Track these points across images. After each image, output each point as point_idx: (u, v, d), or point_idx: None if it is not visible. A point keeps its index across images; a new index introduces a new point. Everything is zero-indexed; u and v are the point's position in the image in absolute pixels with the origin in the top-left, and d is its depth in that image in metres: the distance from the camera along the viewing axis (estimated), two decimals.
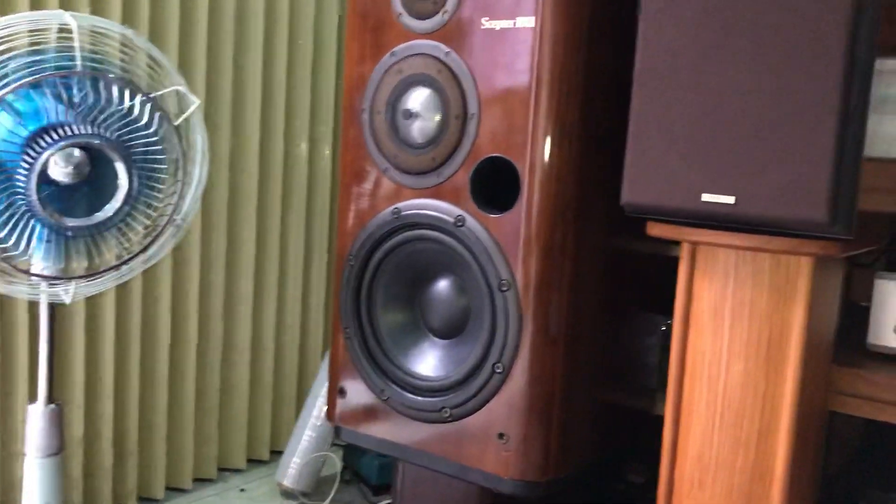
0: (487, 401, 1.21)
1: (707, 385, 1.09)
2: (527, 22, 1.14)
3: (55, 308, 1.32)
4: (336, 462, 1.94)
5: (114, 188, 1.25)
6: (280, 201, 2.05)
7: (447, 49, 1.21)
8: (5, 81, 1.16)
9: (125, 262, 1.33)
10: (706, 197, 0.99)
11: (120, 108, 1.23)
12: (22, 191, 1.18)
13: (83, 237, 1.26)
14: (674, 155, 1.01)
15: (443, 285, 1.30)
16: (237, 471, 2.05)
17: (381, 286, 1.32)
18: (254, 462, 2.10)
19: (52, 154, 1.18)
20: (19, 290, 1.26)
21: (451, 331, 1.29)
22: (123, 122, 1.24)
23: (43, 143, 1.18)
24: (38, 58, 1.20)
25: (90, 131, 1.20)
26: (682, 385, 1.12)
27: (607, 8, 1.19)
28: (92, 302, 1.69)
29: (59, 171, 1.20)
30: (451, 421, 1.25)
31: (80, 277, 1.31)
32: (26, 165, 1.17)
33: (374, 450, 1.36)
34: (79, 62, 1.21)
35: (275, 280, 2.07)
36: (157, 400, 1.85)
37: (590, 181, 1.21)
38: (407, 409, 1.29)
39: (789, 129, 0.94)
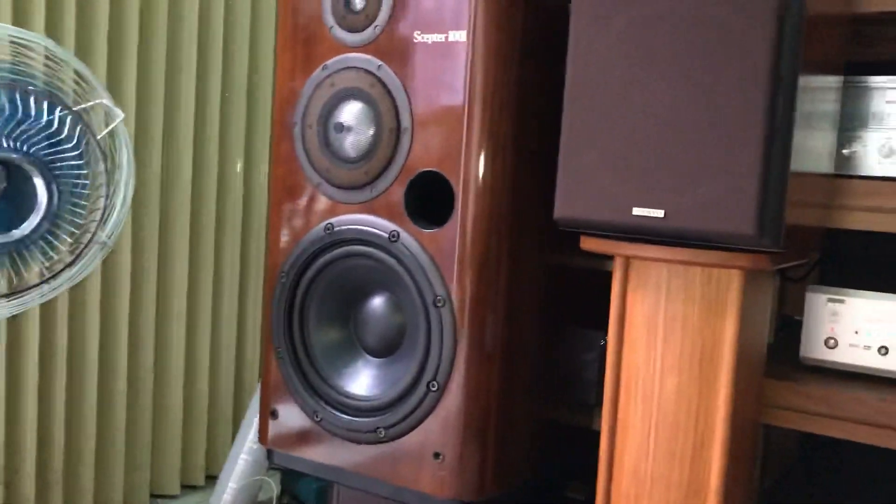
0: (422, 420, 1.19)
1: (642, 399, 1.09)
2: (459, 36, 1.13)
3: None
4: (272, 486, 1.90)
5: (33, 204, 1.21)
6: (214, 219, 2.01)
7: (379, 62, 1.19)
8: None
9: (47, 281, 1.28)
10: (637, 211, 0.99)
11: (39, 122, 1.19)
12: None
13: (2, 254, 1.22)
14: (605, 169, 1.01)
15: (377, 302, 1.28)
16: (171, 497, 1.99)
17: (315, 304, 1.29)
18: (188, 488, 2.04)
19: None
20: None
21: (387, 349, 1.27)
22: (43, 136, 1.20)
23: None
24: None
25: (7, 145, 1.16)
26: (617, 400, 1.12)
27: (540, 23, 1.19)
28: (14, 323, 1.63)
29: None
30: (386, 441, 1.22)
31: (2, 297, 1.26)
32: None
33: (308, 473, 1.33)
34: None
35: (209, 300, 2.02)
36: (85, 425, 1.78)
37: (524, 196, 1.21)
38: (341, 430, 1.26)
39: (717, 143, 0.94)
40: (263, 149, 2.10)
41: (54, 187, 1.21)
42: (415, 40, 1.17)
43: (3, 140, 1.15)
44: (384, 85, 1.19)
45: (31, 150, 1.17)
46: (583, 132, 1.02)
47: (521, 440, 1.28)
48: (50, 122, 1.20)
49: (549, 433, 1.37)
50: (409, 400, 1.19)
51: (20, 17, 1.58)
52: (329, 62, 1.24)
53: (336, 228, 1.24)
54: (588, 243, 1.08)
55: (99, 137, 1.25)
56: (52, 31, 1.64)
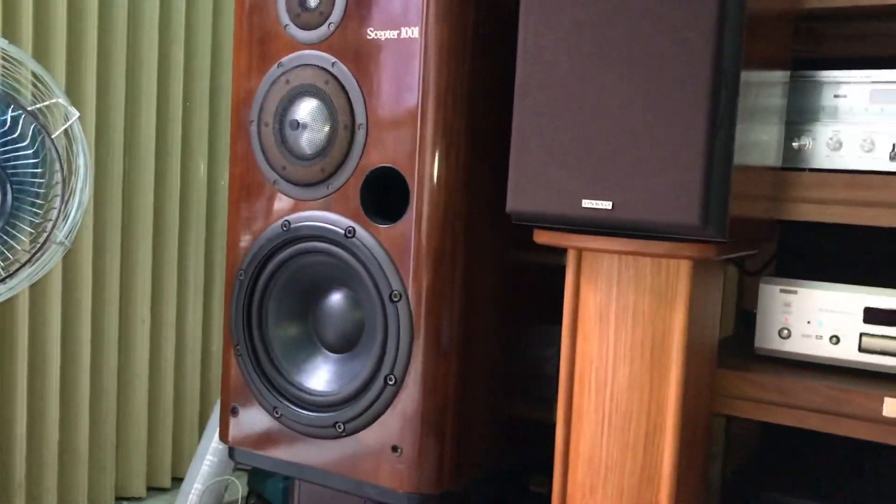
0: (381, 414, 1.20)
1: (595, 390, 1.11)
2: (411, 32, 1.14)
3: None
4: (238, 487, 1.89)
5: None
6: (178, 221, 2.00)
7: (333, 60, 1.20)
8: None
9: (3, 281, 1.27)
10: (586, 203, 1.00)
11: None
12: None
13: None
14: (554, 163, 1.02)
15: (336, 298, 1.28)
16: (137, 499, 1.98)
17: (273, 301, 1.30)
18: (154, 490, 2.03)
19: None
20: None
21: (345, 345, 1.28)
22: None
23: None
24: None
25: None
26: (571, 390, 1.13)
27: (493, 19, 1.21)
28: None
29: None
30: (345, 436, 1.23)
31: None
32: None
33: (270, 469, 1.33)
34: None
35: (173, 301, 2.01)
36: (47, 428, 1.77)
37: (480, 191, 1.22)
38: (301, 426, 1.27)
39: (663, 136, 0.96)
40: (227, 150, 2.10)
41: (9, 186, 1.20)
42: (368, 37, 1.18)
43: None
44: (338, 82, 1.20)
45: None
46: (532, 127, 1.03)
47: (481, 434, 1.29)
48: (3, 122, 1.19)
49: (511, 427, 1.38)
50: (368, 394, 1.20)
51: None
52: (284, 60, 1.25)
53: (293, 225, 1.25)
54: (541, 236, 1.09)
55: (54, 136, 1.24)
56: (9, 32, 1.63)
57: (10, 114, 1.18)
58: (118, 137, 1.85)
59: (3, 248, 1.24)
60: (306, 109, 1.23)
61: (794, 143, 1.23)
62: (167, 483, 2.04)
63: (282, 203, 1.27)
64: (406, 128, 1.16)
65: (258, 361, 1.30)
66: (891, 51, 1.35)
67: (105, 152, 1.84)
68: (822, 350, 1.20)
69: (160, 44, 1.92)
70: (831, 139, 1.21)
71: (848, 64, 1.23)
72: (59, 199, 1.27)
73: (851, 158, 1.19)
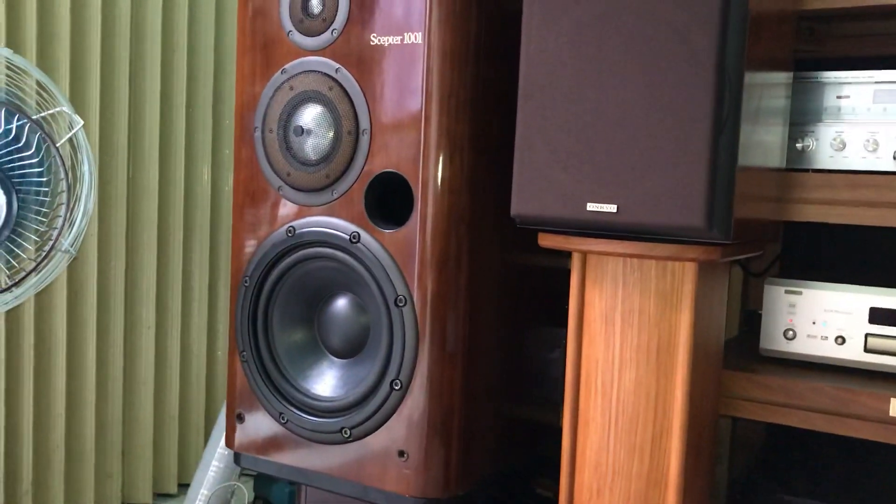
0: (387, 419, 1.20)
1: (601, 393, 1.11)
2: (414, 38, 1.15)
3: None
4: (244, 492, 1.89)
5: None
6: (182, 227, 2.01)
7: (337, 66, 1.20)
8: None
9: (10, 289, 1.28)
10: (591, 206, 1.00)
11: None
12: None
13: None
14: (558, 166, 1.02)
15: (341, 304, 1.28)
16: None
17: (278, 307, 1.30)
18: (161, 496, 2.03)
19: None
20: None
21: (351, 350, 1.28)
22: (2, 144, 1.20)
23: None
24: None
25: None
26: (577, 394, 1.13)
27: (496, 23, 1.21)
28: None
29: None
30: (351, 441, 1.23)
31: None
32: None
33: (276, 475, 1.33)
34: None
35: (178, 307, 2.02)
36: (53, 435, 1.77)
37: (484, 195, 1.22)
38: (307, 431, 1.27)
39: (666, 138, 0.96)
40: (230, 156, 2.10)
41: (14, 195, 1.20)
42: (371, 43, 1.18)
43: None
44: (342, 87, 1.20)
45: None
46: (536, 130, 1.03)
47: (487, 438, 1.29)
48: (8, 131, 1.20)
49: (516, 430, 1.38)
50: (373, 399, 1.20)
51: None
52: (288, 66, 1.25)
53: (298, 231, 1.25)
54: (545, 240, 1.09)
55: (59, 145, 1.25)
56: (13, 41, 1.63)
57: (15, 122, 1.18)
58: (122, 145, 1.85)
59: (8, 257, 1.24)
60: (310, 115, 1.23)
61: (797, 144, 1.23)
62: (174, 489, 2.04)
63: (286, 209, 1.27)
64: (410, 133, 1.16)
65: (264, 367, 1.30)
66: (893, 50, 1.35)
67: (109, 160, 1.84)
68: (828, 351, 1.20)
69: (163, 51, 1.92)
70: (835, 140, 1.21)
71: (851, 64, 1.23)
72: (64, 207, 1.27)
73: (855, 159, 1.19)
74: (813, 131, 1.22)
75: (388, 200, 1.21)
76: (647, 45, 0.97)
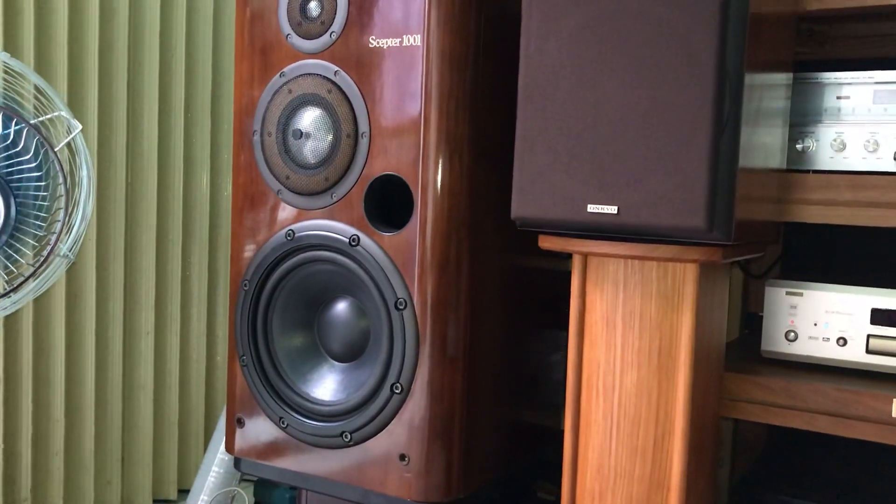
0: (387, 422, 1.19)
1: (603, 395, 1.10)
2: (413, 40, 1.14)
3: None
4: (244, 498, 1.88)
5: None
6: (181, 232, 2.00)
7: (336, 68, 1.20)
8: None
9: (8, 294, 1.27)
10: (591, 208, 1.00)
11: None
12: None
13: None
14: (559, 168, 1.02)
15: (341, 307, 1.28)
16: None
17: (278, 311, 1.30)
18: (161, 502, 2.02)
19: None
20: None
21: (351, 353, 1.27)
22: (0, 148, 1.19)
23: None
24: None
25: None
26: (579, 396, 1.13)
27: (494, 25, 1.21)
28: None
29: None
30: (351, 445, 1.22)
31: None
32: None
33: (276, 480, 1.33)
34: None
35: (177, 313, 2.01)
36: (52, 441, 1.77)
37: (484, 197, 1.22)
38: (307, 435, 1.26)
39: (667, 140, 0.96)
40: (229, 160, 2.10)
41: (12, 200, 1.20)
42: (370, 45, 1.18)
43: None
44: (341, 90, 1.20)
45: None
46: (536, 132, 1.03)
47: (488, 441, 1.29)
48: (6, 136, 1.19)
49: (518, 434, 1.38)
50: (374, 403, 1.20)
51: None
52: (286, 69, 1.25)
53: (297, 235, 1.25)
54: (546, 242, 1.09)
55: (57, 149, 1.24)
56: (11, 45, 1.63)
57: (13, 127, 1.18)
58: (120, 149, 1.85)
59: (6, 262, 1.24)
60: (309, 118, 1.23)
61: (797, 145, 1.22)
62: (173, 495, 2.03)
63: (286, 212, 1.27)
64: (409, 135, 1.16)
65: (264, 371, 1.30)
66: (893, 51, 1.35)
67: (107, 164, 1.84)
68: (830, 352, 1.20)
69: (161, 55, 1.92)
70: (835, 141, 1.20)
71: (850, 65, 1.23)
72: (62, 211, 1.27)
73: (855, 159, 1.19)
74: (813, 132, 1.22)
75: (388, 203, 1.21)
76: (647, 46, 0.97)
